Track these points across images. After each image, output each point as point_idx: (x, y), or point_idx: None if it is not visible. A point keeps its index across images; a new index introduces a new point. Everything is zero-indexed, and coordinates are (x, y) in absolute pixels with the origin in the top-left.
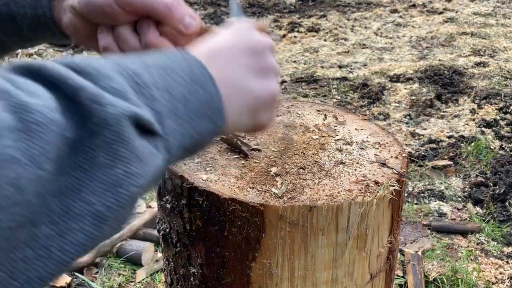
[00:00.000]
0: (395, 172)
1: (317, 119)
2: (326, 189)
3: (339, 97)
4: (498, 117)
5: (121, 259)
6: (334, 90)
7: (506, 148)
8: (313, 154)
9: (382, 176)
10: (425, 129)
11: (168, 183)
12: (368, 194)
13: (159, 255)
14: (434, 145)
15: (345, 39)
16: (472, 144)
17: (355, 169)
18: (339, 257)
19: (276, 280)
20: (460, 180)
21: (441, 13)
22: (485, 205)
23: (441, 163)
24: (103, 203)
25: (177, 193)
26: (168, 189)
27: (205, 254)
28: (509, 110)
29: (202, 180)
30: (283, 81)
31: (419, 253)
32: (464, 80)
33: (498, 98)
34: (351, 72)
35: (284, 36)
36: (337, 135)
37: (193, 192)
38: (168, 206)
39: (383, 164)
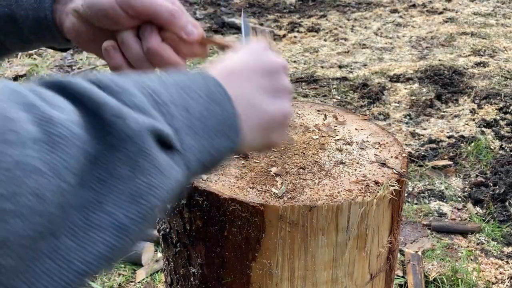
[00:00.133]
0: (395, 172)
1: (317, 119)
2: (326, 189)
3: (339, 97)
4: (498, 117)
5: (121, 259)
6: (334, 90)
7: (506, 148)
8: (313, 154)
9: (382, 176)
10: (425, 129)
11: None
12: (368, 194)
13: (159, 255)
14: (434, 145)
15: (345, 39)
16: (472, 144)
17: (355, 169)
18: (339, 257)
19: (276, 280)
20: (460, 180)
21: (441, 13)
22: (485, 205)
23: (441, 163)
24: (125, 214)
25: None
26: None
27: (205, 254)
28: (509, 110)
29: (202, 180)
30: None
31: (419, 253)
32: (464, 80)
33: (498, 98)
34: (351, 72)
35: (284, 36)
36: (337, 135)
37: (193, 192)
38: (168, 206)
39: (383, 164)
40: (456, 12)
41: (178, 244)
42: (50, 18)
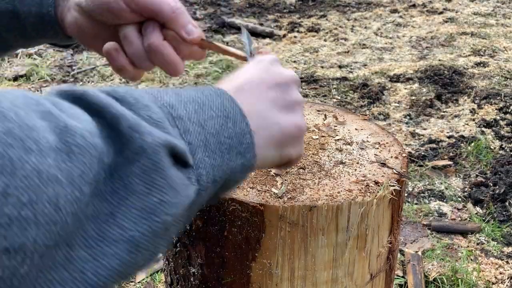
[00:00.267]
0: (395, 172)
1: (317, 119)
2: (326, 189)
3: (339, 97)
4: (498, 117)
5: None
6: (334, 90)
7: (506, 148)
8: (313, 154)
9: (382, 176)
10: (425, 129)
11: None
12: (368, 194)
13: (159, 255)
14: (434, 145)
15: (345, 39)
16: (472, 144)
17: (355, 169)
18: (339, 257)
19: (276, 280)
20: (460, 180)
21: (441, 13)
22: (485, 205)
23: (441, 163)
24: (138, 230)
25: None
26: None
27: (205, 254)
28: (509, 110)
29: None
30: None
31: (419, 253)
32: (464, 80)
33: (498, 98)
34: (351, 72)
35: (284, 36)
36: (337, 135)
37: None
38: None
39: (383, 164)
40: (456, 12)
41: (178, 244)
42: (53, 13)
